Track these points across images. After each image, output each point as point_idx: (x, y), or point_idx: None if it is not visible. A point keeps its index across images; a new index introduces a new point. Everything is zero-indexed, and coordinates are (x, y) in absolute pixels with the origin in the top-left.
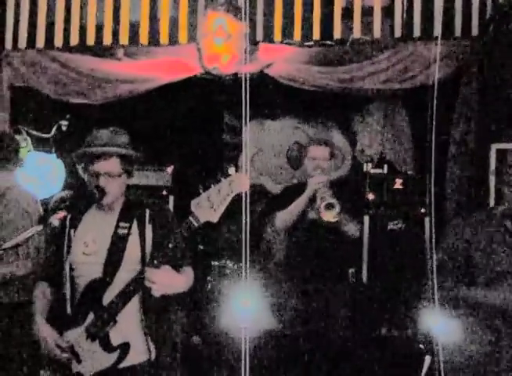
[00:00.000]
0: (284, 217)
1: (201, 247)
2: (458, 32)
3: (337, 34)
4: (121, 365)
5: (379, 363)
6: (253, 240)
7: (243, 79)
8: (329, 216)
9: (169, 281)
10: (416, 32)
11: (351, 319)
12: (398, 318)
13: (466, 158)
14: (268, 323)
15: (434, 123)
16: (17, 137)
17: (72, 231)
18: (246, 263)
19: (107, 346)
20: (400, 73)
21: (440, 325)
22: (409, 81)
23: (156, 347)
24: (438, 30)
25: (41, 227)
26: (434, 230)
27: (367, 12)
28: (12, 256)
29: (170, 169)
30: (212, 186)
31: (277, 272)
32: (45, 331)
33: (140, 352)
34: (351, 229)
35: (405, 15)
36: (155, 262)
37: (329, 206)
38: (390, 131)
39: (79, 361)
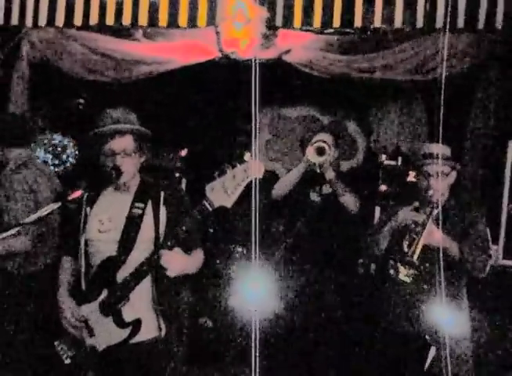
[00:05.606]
0: (279, 184)
1: (211, 230)
2: (481, 25)
3: (358, 22)
4: (133, 340)
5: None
6: (263, 225)
7: (253, 65)
8: (318, 160)
9: (181, 263)
10: (439, 23)
11: (358, 307)
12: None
13: (482, 154)
14: (277, 306)
15: (441, 117)
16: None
17: (88, 209)
18: (256, 247)
19: (120, 322)
20: (420, 64)
21: (446, 317)
22: (429, 72)
23: (166, 326)
24: (460, 22)
25: (58, 205)
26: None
27: (389, 0)
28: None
29: (183, 152)
30: (227, 171)
31: (286, 258)
32: (65, 303)
33: (151, 329)
34: (349, 202)
35: (427, 5)
36: (168, 243)
37: (320, 150)
38: (407, 123)
39: (92, 335)
